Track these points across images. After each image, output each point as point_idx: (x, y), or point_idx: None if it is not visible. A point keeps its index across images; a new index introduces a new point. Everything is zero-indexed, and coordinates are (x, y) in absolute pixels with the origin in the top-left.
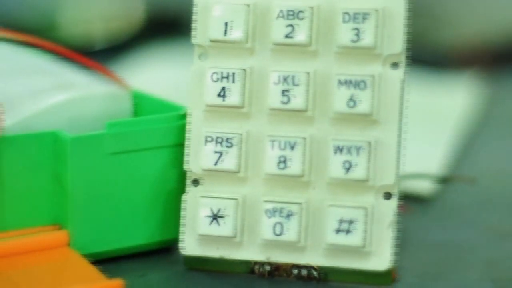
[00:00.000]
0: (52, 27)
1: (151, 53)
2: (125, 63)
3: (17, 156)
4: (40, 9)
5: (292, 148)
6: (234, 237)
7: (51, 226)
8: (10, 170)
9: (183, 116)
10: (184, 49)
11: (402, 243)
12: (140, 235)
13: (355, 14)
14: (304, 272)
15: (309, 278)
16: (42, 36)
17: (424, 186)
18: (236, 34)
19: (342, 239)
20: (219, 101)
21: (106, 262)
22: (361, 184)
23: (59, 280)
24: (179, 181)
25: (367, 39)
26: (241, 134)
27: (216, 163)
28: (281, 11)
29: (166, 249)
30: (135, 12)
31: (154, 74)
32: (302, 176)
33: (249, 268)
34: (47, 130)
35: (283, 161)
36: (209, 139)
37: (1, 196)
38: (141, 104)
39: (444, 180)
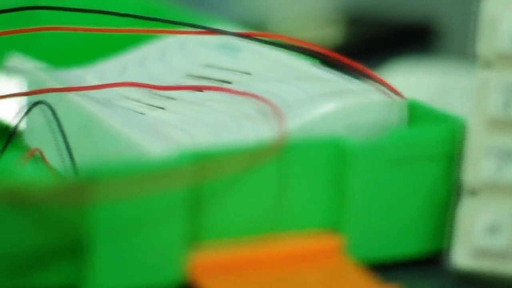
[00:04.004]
0: None
1: (399, 62)
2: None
3: (300, 161)
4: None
5: None
6: (509, 251)
7: (326, 230)
8: (293, 174)
9: (462, 127)
10: (432, 57)
11: None
12: (410, 244)
13: None
14: None
15: None
16: None
17: None
18: None
19: None
20: (502, 113)
21: (374, 269)
22: None
23: (336, 285)
24: (453, 192)
25: None
26: None
27: (495, 175)
28: None
29: (434, 259)
30: (334, 20)
31: (400, 82)
32: None
33: None
34: (330, 136)
35: None
36: (489, 150)
37: (281, 199)
38: (415, 113)
39: None
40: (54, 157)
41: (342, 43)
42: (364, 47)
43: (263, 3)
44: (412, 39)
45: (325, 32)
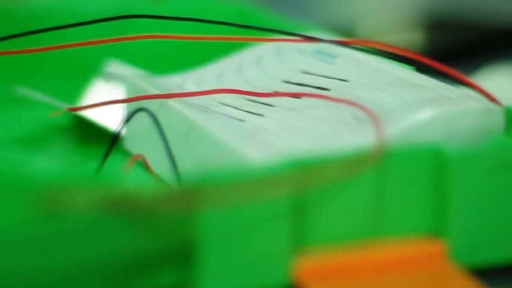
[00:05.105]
0: None
1: (492, 67)
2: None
3: (400, 167)
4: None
5: None
6: None
7: (428, 236)
8: (393, 180)
9: None
10: None
11: None
12: (510, 249)
13: None
14: None
15: None
16: None
17: None
18: None
19: None
20: None
21: (475, 275)
22: None
23: None
24: None
25: None
26: None
27: None
28: None
29: None
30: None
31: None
32: None
33: None
34: (430, 143)
35: None
36: None
37: (382, 204)
38: None
39: None
40: (155, 163)
41: (431, 48)
42: (455, 52)
43: (348, 8)
44: (505, 43)
45: (413, 37)
